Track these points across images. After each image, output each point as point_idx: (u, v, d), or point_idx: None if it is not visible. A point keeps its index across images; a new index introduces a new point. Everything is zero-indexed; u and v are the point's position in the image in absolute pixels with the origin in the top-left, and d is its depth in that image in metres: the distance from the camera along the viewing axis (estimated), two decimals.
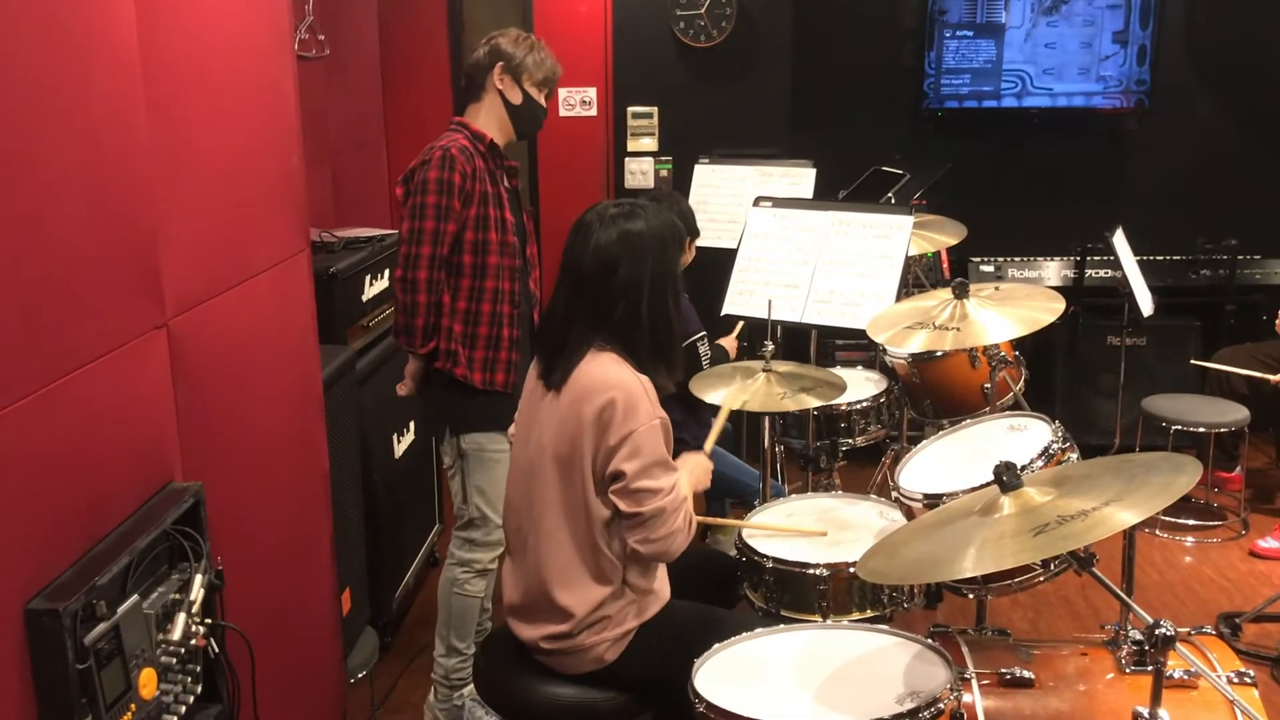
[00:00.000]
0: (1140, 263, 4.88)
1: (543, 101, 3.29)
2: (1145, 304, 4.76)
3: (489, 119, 3.24)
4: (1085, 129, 5.79)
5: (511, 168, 3.32)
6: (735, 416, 4.54)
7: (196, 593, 1.91)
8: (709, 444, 2.89)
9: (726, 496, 4.25)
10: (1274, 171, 5.75)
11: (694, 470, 2.61)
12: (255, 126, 2.51)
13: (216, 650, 1.98)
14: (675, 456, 2.47)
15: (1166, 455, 2.02)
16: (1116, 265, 4.74)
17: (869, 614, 2.66)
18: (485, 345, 3.18)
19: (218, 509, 2.13)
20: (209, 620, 1.95)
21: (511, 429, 2.78)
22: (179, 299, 2.08)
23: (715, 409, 3.03)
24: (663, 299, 2.41)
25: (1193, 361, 5.03)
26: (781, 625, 2.39)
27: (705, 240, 4.21)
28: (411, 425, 4.05)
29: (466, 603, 3.31)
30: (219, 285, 2.28)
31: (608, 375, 2.33)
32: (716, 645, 2.27)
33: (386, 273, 3.94)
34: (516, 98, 3.24)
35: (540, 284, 3.44)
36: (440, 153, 3.06)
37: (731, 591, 2.86)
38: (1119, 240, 4.73)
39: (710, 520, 4.07)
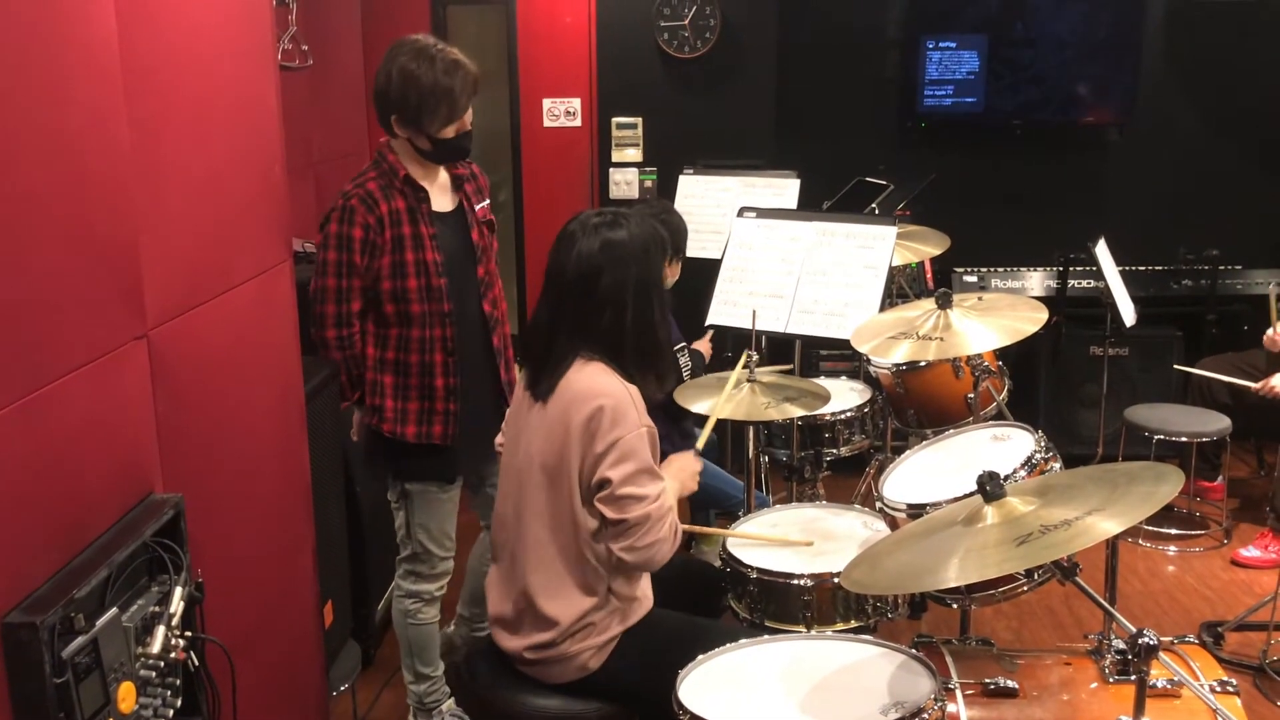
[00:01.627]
0: (1122, 273, 4.92)
1: (463, 128, 2.98)
2: (1127, 314, 4.79)
3: (405, 153, 3.00)
4: (1068, 140, 5.82)
5: (458, 176, 3.13)
6: (720, 427, 4.55)
7: (176, 605, 1.89)
8: (700, 443, 2.88)
9: (711, 507, 4.24)
10: (1254, 182, 5.79)
11: (681, 472, 2.60)
12: (237, 137, 2.50)
13: (196, 663, 1.96)
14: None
15: (1148, 465, 2.03)
16: (1099, 276, 4.77)
17: (853, 624, 2.67)
18: (419, 396, 3.04)
19: (198, 521, 2.11)
20: (189, 633, 1.93)
21: (499, 439, 2.77)
22: (160, 309, 2.07)
23: (699, 419, 3.03)
24: (647, 306, 2.41)
25: (1176, 367, 5.05)
26: (766, 636, 2.39)
27: (690, 250, 4.21)
28: None
29: (422, 631, 3.26)
30: (200, 296, 2.27)
31: (596, 384, 2.33)
32: (701, 656, 2.26)
33: None
34: (425, 144, 2.97)
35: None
36: (341, 203, 2.91)
37: (715, 602, 2.86)
38: (1101, 251, 4.75)
39: (696, 529, 4.06)
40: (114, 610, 1.75)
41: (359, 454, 3.68)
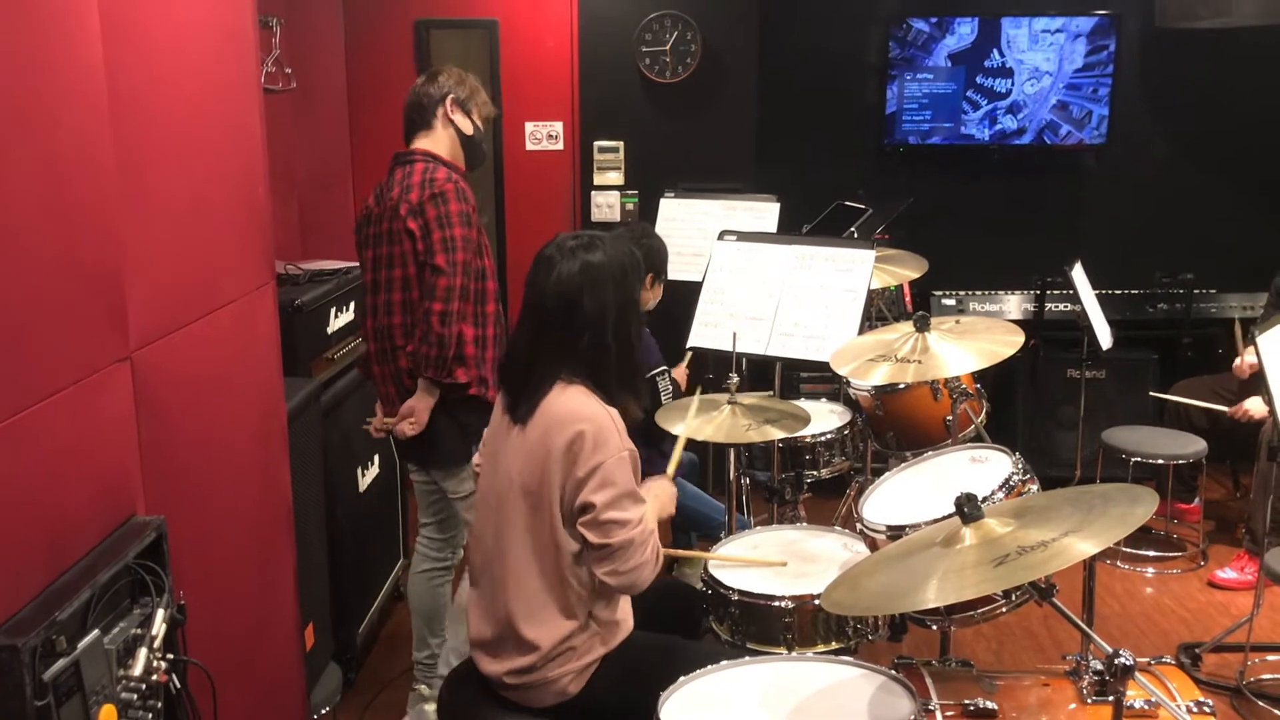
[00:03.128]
0: (1099, 296, 4.97)
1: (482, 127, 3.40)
2: (1104, 337, 4.84)
3: (446, 152, 3.30)
4: (1044, 165, 5.89)
5: None
6: (701, 449, 4.57)
7: (158, 627, 1.89)
8: (670, 469, 2.89)
9: (692, 529, 4.25)
10: (1228, 207, 5.87)
11: (659, 497, 2.61)
12: (221, 160, 2.51)
13: (178, 686, 1.96)
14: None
15: (1124, 486, 2.05)
16: (1076, 299, 4.81)
17: (834, 646, 2.67)
18: (493, 367, 3.27)
19: (181, 543, 2.11)
20: (171, 655, 1.93)
21: (476, 459, 2.77)
22: (143, 332, 2.07)
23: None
24: (626, 327, 2.43)
25: (1151, 394, 5.10)
26: (747, 657, 2.40)
27: (671, 273, 4.23)
28: (376, 459, 4.03)
29: (439, 593, 3.47)
30: (184, 318, 2.27)
31: (578, 408, 2.34)
32: (682, 678, 2.27)
33: (352, 305, 3.94)
34: (469, 128, 3.33)
35: (506, 317, 3.44)
36: (453, 186, 3.15)
37: (696, 624, 2.86)
38: (1078, 274, 4.80)
39: (674, 553, 4.07)
40: (96, 632, 1.75)
41: (340, 474, 3.68)
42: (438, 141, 3.28)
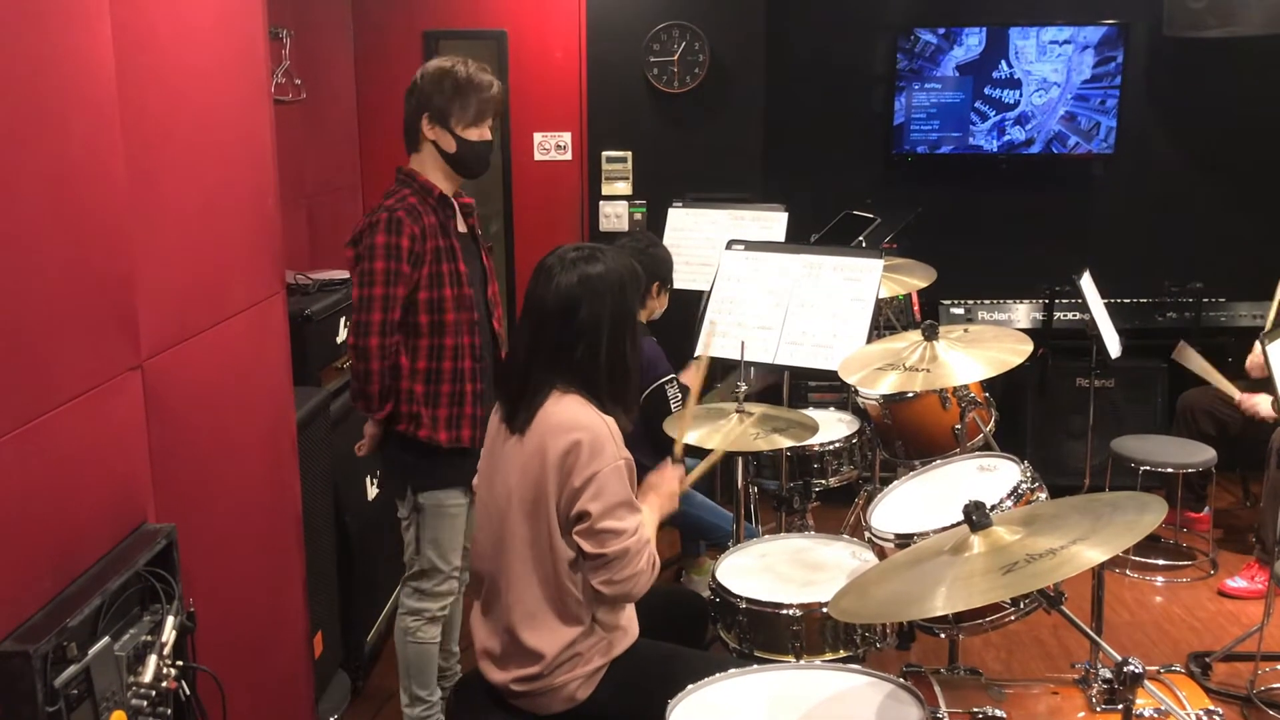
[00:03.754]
0: (1107, 305, 4.96)
1: (484, 136, 3.14)
2: (1113, 346, 4.83)
3: (432, 169, 3.12)
4: (1053, 174, 5.89)
5: (467, 205, 3.25)
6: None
7: (168, 634, 1.90)
8: (677, 449, 2.88)
9: (700, 538, 4.25)
10: (1237, 215, 5.86)
11: (660, 492, 2.61)
12: (231, 170, 2.53)
13: (188, 693, 1.96)
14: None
15: (1132, 494, 2.05)
16: (1084, 308, 4.81)
17: (842, 654, 2.67)
18: (449, 403, 3.11)
19: (190, 550, 2.12)
20: (180, 662, 1.93)
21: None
22: (154, 341, 2.09)
23: (687, 449, 3.02)
24: (621, 340, 2.43)
25: (1181, 349, 4.92)
26: (755, 665, 2.40)
27: (679, 282, 4.24)
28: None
29: (422, 649, 3.27)
30: (194, 327, 2.29)
31: (574, 417, 2.35)
32: (690, 686, 2.27)
33: None
34: (450, 145, 3.09)
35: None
36: (385, 215, 2.98)
37: (701, 632, 2.86)
38: (1086, 283, 4.80)
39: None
40: (106, 639, 1.76)
41: (349, 482, 3.69)
42: (423, 161, 3.12)
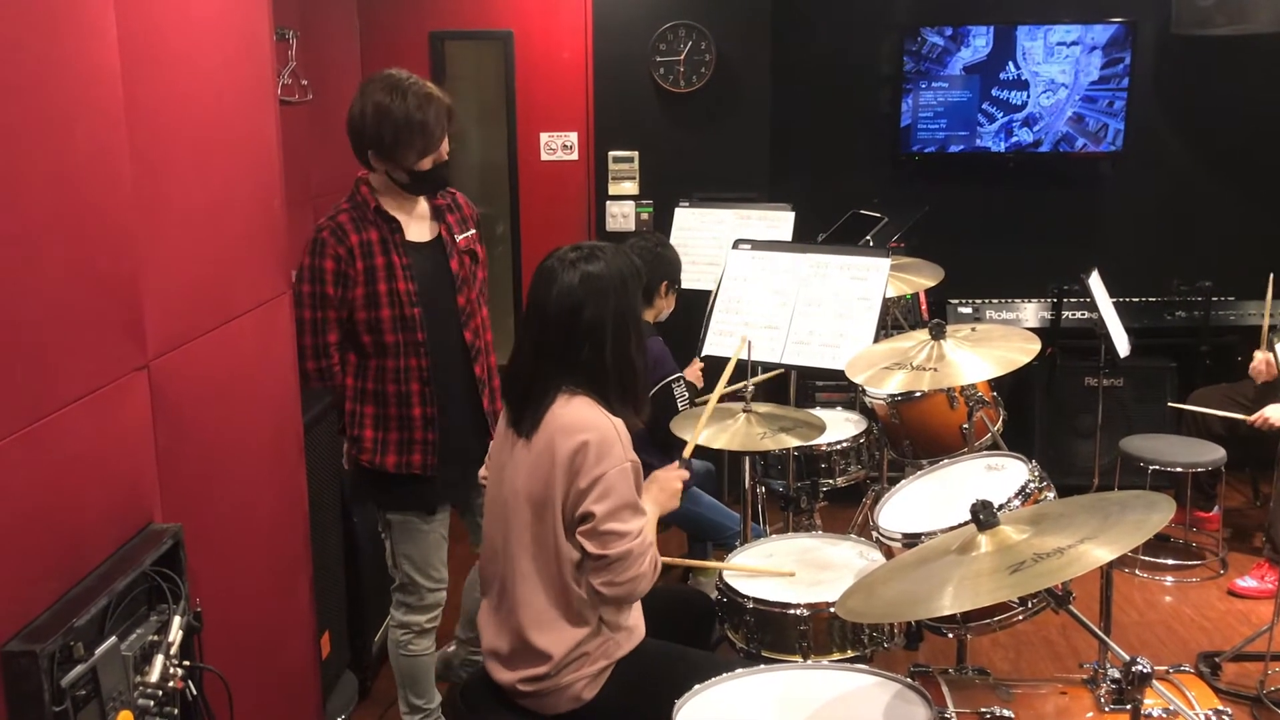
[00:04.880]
0: (1116, 304, 4.94)
1: (440, 158, 3.01)
2: (1121, 345, 4.81)
3: (382, 185, 3.03)
4: (1060, 173, 5.87)
5: (438, 207, 3.13)
6: (716, 458, 4.57)
7: (175, 634, 1.90)
8: (688, 450, 2.87)
9: (707, 539, 4.25)
10: (1246, 214, 5.84)
11: (661, 492, 2.59)
12: (237, 170, 2.53)
13: (194, 692, 1.97)
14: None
15: (1140, 493, 2.04)
16: (1093, 307, 4.79)
17: (849, 654, 2.67)
18: (398, 427, 3.05)
19: (197, 550, 2.12)
20: (187, 662, 1.94)
21: (483, 472, 2.77)
22: (160, 341, 2.09)
23: (697, 449, 3.02)
24: (625, 338, 2.43)
25: (1169, 404, 5.06)
26: (762, 665, 2.40)
27: (685, 282, 4.24)
28: None
29: (414, 662, 3.25)
30: (200, 327, 2.29)
31: (582, 418, 2.35)
32: (697, 686, 2.27)
33: None
34: (402, 177, 3.00)
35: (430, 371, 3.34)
36: (314, 235, 2.95)
37: (708, 633, 2.86)
38: (1095, 282, 4.78)
39: (684, 563, 4.08)
40: (113, 639, 1.76)
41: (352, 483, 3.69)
42: (375, 176, 3.05)
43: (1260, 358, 4.57)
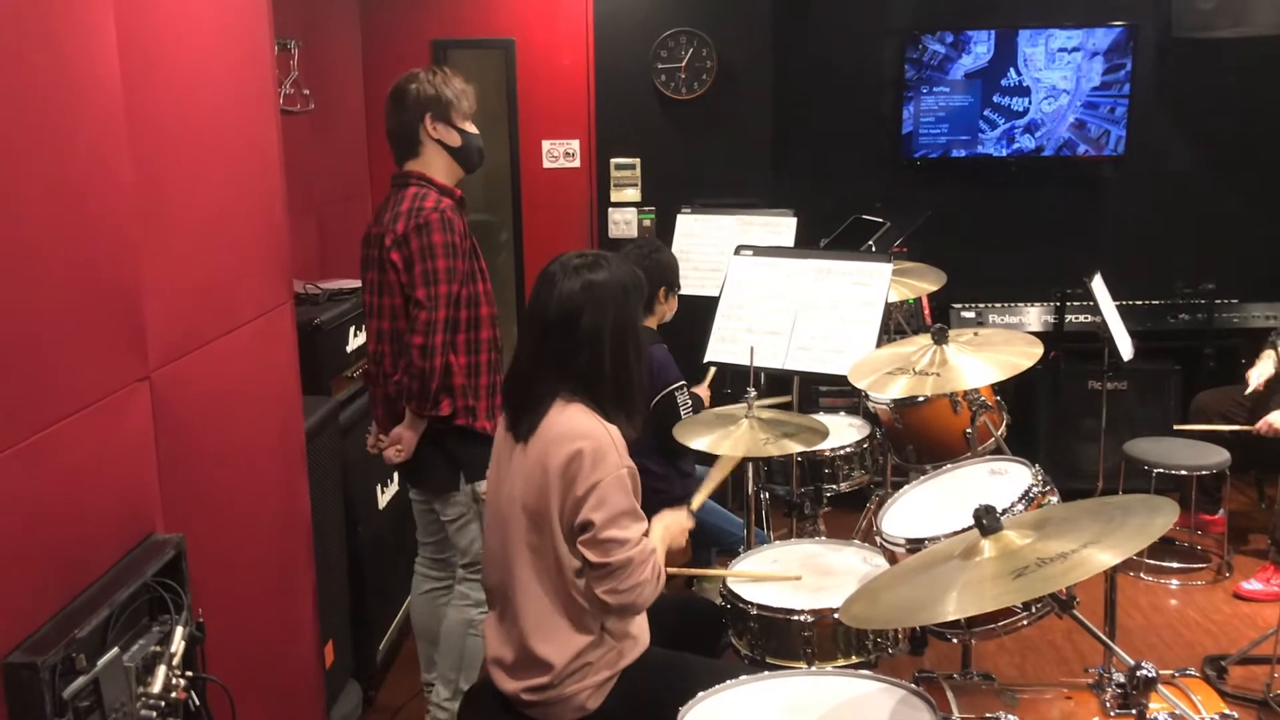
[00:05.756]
0: (1119, 308, 4.93)
1: (475, 130, 3.27)
2: (1125, 348, 4.81)
3: (438, 169, 3.21)
4: (1062, 177, 5.87)
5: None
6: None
7: (177, 645, 1.90)
8: (697, 500, 2.88)
9: (713, 545, 4.24)
10: (1248, 216, 5.83)
11: (669, 528, 2.62)
12: (239, 180, 2.53)
13: (197, 703, 1.96)
14: (654, 509, 2.47)
15: (1144, 497, 2.03)
16: (1096, 310, 4.79)
17: (854, 660, 2.66)
18: (486, 394, 3.23)
19: (199, 560, 2.12)
20: (190, 673, 1.93)
21: (483, 487, 2.78)
22: (162, 351, 2.09)
23: (695, 457, 3.02)
24: (623, 346, 2.43)
25: (1175, 428, 5.01)
26: (766, 672, 2.39)
27: (688, 289, 4.23)
28: (395, 476, 4.04)
29: (480, 644, 3.30)
30: (202, 337, 2.29)
31: (576, 425, 2.34)
32: (701, 693, 2.26)
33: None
34: (455, 139, 3.22)
35: (499, 342, 3.41)
36: (438, 216, 3.06)
37: (716, 640, 2.85)
38: (1098, 286, 4.78)
39: (687, 571, 4.07)
40: (115, 650, 1.76)
41: (360, 491, 3.69)
42: (429, 163, 3.20)
43: (1254, 381, 4.60)
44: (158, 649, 1.88)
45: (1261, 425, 4.51)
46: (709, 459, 3.07)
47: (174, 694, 1.87)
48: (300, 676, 2.86)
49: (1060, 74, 5.63)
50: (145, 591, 1.90)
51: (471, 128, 3.25)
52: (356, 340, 3.85)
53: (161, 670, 1.85)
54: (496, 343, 3.28)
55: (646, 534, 2.39)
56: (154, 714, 1.82)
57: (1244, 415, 4.71)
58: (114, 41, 1.93)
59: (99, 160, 1.88)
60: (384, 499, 3.94)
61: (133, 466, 1.98)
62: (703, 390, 4.20)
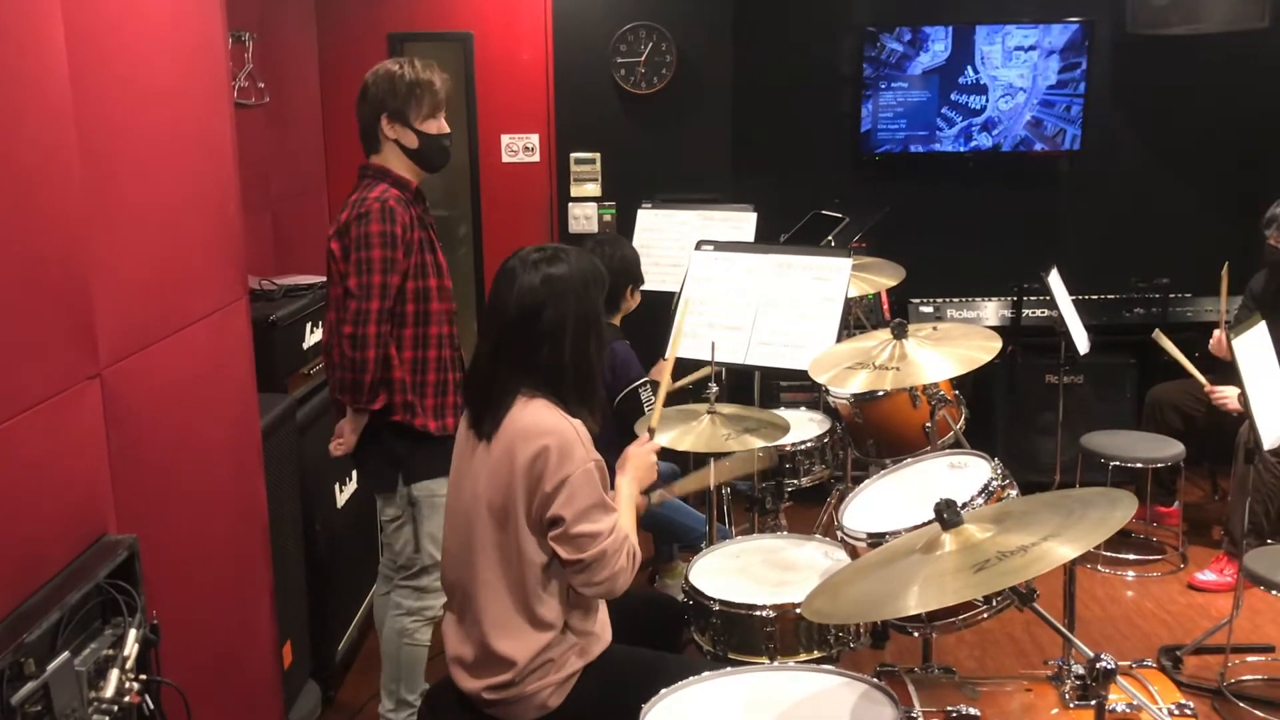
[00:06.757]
0: (1075, 302, 4.98)
1: (442, 129, 3.19)
2: (1081, 342, 4.85)
3: (398, 165, 3.16)
4: (1019, 172, 5.91)
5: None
6: (682, 459, 4.55)
7: (131, 648, 1.86)
8: (655, 418, 2.85)
9: (674, 541, 4.24)
10: (1202, 212, 5.90)
11: (638, 464, 2.59)
12: (192, 173, 2.49)
13: (152, 707, 1.93)
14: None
15: (1103, 490, 2.05)
16: (1053, 305, 4.83)
17: (816, 655, 2.66)
18: (435, 392, 3.15)
19: (153, 561, 2.09)
20: (144, 676, 1.90)
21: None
22: (113, 348, 2.05)
23: (663, 452, 3.00)
24: (585, 341, 2.41)
25: (1156, 334, 4.94)
26: (729, 668, 2.38)
27: (649, 284, 4.22)
28: (354, 475, 4.00)
29: (416, 653, 3.26)
30: (154, 334, 2.25)
31: (541, 421, 2.33)
32: (664, 689, 2.25)
33: None
34: (412, 141, 3.14)
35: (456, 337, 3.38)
36: (379, 205, 3.00)
37: (677, 637, 2.85)
38: (1054, 280, 4.82)
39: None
40: (65, 654, 1.72)
41: (318, 489, 3.65)
42: (387, 159, 3.15)
43: (1218, 335, 4.64)
44: (110, 652, 1.85)
45: (1214, 391, 4.50)
46: (670, 454, 3.06)
47: (127, 698, 1.83)
48: (258, 677, 2.83)
49: (1017, 72, 5.68)
50: (97, 593, 1.87)
51: (434, 128, 3.17)
52: (313, 336, 3.81)
53: (114, 674, 1.82)
54: (451, 339, 3.20)
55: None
56: (107, 718, 1.79)
57: (1200, 407, 4.77)
58: (61, 32, 1.89)
59: (46, 154, 1.84)
60: (342, 497, 3.90)
61: (83, 466, 1.95)
62: (664, 376, 4.16)
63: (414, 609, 3.24)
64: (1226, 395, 4.50)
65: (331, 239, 3.08)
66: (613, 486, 2.47)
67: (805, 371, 3.30)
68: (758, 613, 2.66)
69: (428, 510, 3.19)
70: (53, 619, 1.70)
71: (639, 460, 2.61)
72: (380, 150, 3.16)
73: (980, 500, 2.63)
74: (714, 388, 3.21)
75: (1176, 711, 2.24)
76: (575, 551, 2.29)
